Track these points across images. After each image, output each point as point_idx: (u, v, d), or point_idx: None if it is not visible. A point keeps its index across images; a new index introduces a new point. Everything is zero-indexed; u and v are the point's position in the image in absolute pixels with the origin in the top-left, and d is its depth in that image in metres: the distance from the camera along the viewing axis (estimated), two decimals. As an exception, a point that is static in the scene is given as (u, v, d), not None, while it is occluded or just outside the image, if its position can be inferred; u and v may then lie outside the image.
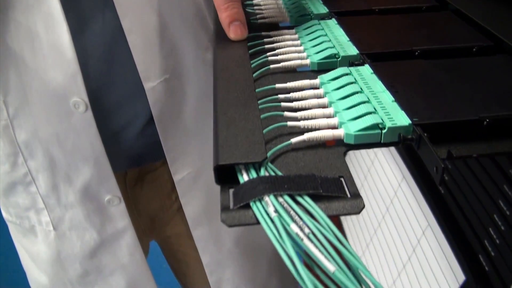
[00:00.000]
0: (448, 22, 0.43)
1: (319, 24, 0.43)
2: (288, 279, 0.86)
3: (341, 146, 0.29)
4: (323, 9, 0.46)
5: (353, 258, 0.21)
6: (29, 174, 0.60)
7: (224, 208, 0.25)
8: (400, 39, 0.40)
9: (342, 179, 0.26)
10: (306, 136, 0.29)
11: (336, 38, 0.40)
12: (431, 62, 0.35)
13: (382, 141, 0.29)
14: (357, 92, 0.32)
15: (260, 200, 0.24)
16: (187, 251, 0.80)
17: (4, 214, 0.68)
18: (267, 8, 0.49)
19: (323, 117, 0.31)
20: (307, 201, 0.24)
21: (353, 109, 0.30)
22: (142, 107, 0.60)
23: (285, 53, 0.39)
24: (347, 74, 0.34)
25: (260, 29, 0.44)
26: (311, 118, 0.31)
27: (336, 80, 0.34)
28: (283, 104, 0.32)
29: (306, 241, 0.22)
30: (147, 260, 0.69)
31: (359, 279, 0.20)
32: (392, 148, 0.64)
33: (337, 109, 0.31)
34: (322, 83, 0.34)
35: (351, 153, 0.81)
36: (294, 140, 0.29)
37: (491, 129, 0.28)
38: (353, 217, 0.80)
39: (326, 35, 0.41)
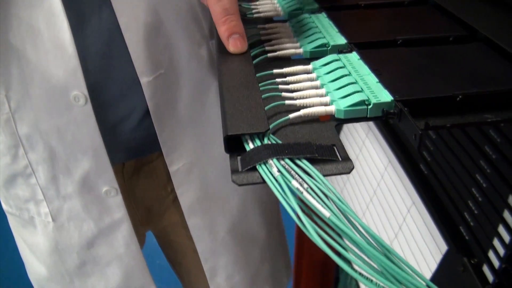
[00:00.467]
0: (428, 14, 0.47)
1: (311, 17, 0.47)
2: (279, 266, 0.87)
3: (332, 120, 0.33)
4: (314, 4, 0.50)
5: (344, 206, 0.25)
6: (29, 166, 0.61)
7: (234, 171, 0.28)
8: (384, 30, 0.44)
9: (335, 147, 0.30)
10: (302, 112, 0.32)
11: (326, 30, 0.44)
12: (412, 50, 0.39)
13: (368, 116, 0.32)
14: (346, 75, 0.35)
15: (265, 163, 0.28)
16: (182, 240, 0.81)
17: (4, 206, 0.69)
18: (262, 4, 0.53)
19: (316, 96, 0.35)
20: (305, 163, 0.28)
21: (343, 89, 0.34)
22: (139, 101, 0.61)
23: (280, 44, 0.43)
24: (336, 60, 0.38)
25: (256, 23, 0.48)
26: (306, 97, 0.34)
27: (327, 65, 0.38)
28: (280, 86, 0.36)
29: (305, 194, 0.25)
30: (143, 251, 0.70)
31: (350, 222, 0.24)
32: (379, 136, 0.68)
33: (328, 89, 0.35)
34: (314, 68, 0.38)
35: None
36: (291, 115, 0.32)
37: (463, 104, 0.31)
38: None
39: (317, 27, 0.45)
